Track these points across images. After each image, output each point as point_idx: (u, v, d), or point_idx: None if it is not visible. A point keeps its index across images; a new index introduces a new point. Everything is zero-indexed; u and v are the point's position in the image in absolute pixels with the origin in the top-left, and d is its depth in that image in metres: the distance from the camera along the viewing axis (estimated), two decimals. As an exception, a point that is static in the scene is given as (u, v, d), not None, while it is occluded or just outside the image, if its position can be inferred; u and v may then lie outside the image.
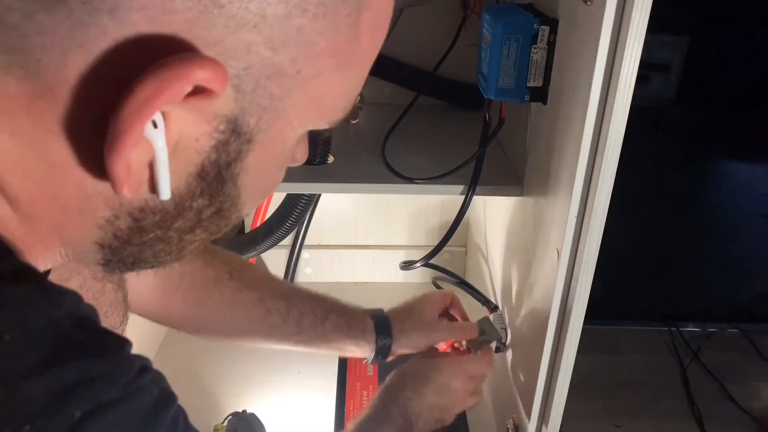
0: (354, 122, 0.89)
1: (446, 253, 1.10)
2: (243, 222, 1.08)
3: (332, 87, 0.31)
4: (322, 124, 0.33)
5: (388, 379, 0.67)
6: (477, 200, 0.68)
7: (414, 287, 1.13)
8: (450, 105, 0.94)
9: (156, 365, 0.31)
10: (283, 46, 0.27)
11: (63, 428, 0.22)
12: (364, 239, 1.13)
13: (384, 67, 0.89)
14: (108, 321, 0.46)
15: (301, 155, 0.38)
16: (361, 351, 0.72)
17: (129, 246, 0.32)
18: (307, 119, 0.32)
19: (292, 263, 1.07)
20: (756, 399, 0.97)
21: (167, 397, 0.28)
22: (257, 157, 0.31)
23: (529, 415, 0.65)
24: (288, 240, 0.99)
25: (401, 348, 0.72)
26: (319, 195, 0.91)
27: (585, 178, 0.50)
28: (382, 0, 0.31)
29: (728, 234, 1.16)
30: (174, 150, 0.27)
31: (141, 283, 0.61)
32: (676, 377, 1.01)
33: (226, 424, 0.77)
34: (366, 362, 0.73)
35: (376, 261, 1.14)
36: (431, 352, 0.72)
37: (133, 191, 0.28)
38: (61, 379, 0.23)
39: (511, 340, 0.75)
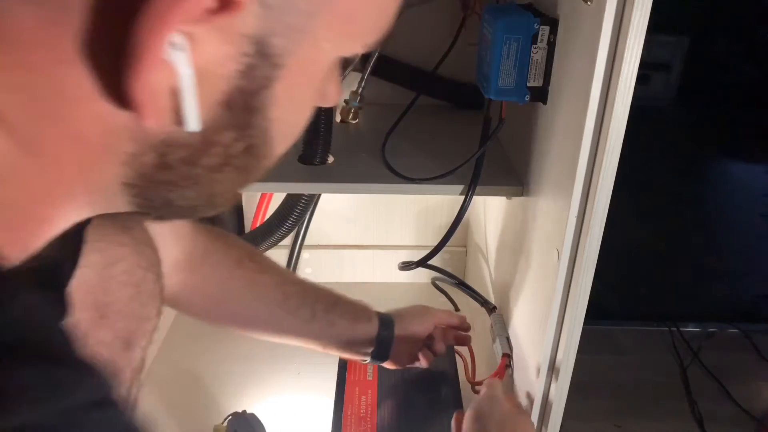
0: (354, 122, 0.89)
1: (446, 253, 1.10)
2: (243, 222, 1.08)
3: (361, 1, 0.30)
4: (354, 47, 0.31)
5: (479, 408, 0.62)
6: (477, 200, 0.68)
7: (414, 287, 1.13)
8: (450, 105, 0.94)
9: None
10: None
11: None
12: (364, 239, 1.13)
13: (384, 67, 0.89)
14: (145, 310, 0.46)
15: (333, 94, 0.35)
16: (365, 335, 0.72)
17: (156, 186, 0.30)
18: (337, 41, 0.30)
19: (292, 263, 1.07)
20: (756, 399, 0.97)
21: None
22: (287, 86, 0.29)
23: (529, 415, 0.65)
24: (288, 240, 0.99)
25: (403, 327, 0.74)
26: (319, 195, 0.91)
27: (585, 178, 0.50)
28: None
29: (728, 234, 1.16)
30: (199, 76, 0.26)
31: (166, 257, 0.61)
32: (676, 377, 1.01)
33: (226, 424, 0.77)
34: (366, 356, 0.74)
35: (376, 261, 1.14)
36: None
37: (158, 120, 0.26)
38: None
39: (511, 340, 0.75)
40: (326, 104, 0.35)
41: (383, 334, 0.73)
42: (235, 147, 0.30)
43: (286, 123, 0.32)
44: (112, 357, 0.43)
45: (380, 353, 0.73)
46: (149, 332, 0.48)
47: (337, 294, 0.73)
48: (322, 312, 0.69)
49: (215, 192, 0.32)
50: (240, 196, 0.36)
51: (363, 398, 0.78)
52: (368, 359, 0.74)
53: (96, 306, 0.42)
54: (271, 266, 0.70)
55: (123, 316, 0.44)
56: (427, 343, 0.78)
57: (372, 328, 0.73)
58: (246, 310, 0.68)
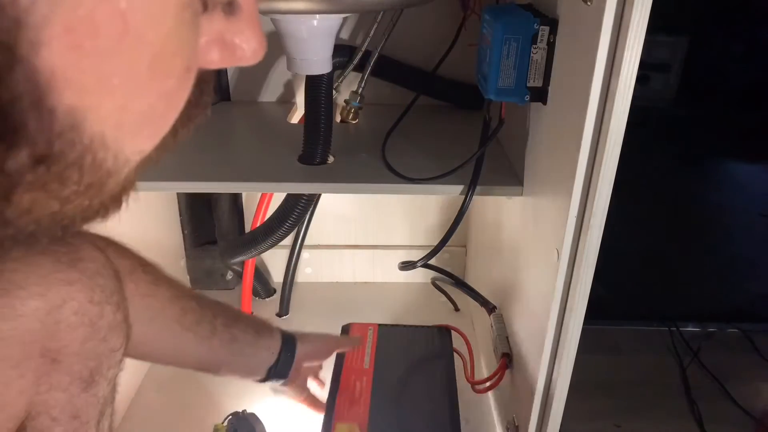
0: (354, 122, 0.89)
1: (446, 253, 1.10)
2: (243, 222, 1.08)
3: None
4: None
5: None
6: (477, 200, 0.68)
7: (414, 287, 1.13)
8: (450, 105, 0.94)
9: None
10: None
11: None
12: (364, 239, 1.13)
13: (384, 67, 0.89)
14: (107, 344, 0.44)
15: (242, 43, 0.26)
16: (268, 349, 0.69)
17: None
18: None
19: (292, 263, 1.07)
20: (756, 399, 0.97)
21: None
22: (70, 53, 0.19)
23: (529, 415, 0.65)
24: (288, 240, 0.99)
25: (305, 347, 0.73)
26: (319, 195, 0.91)
27: (585, 178, 0.50)
28: None
29: (728, 234, 1.16)
30: None
31: None
32: (676, 377, 1.01)
33: (226, 424, 0.77)
34: (263, 375, 0.70)
35: (376, 261, 1.14)
36: None
37: None
38: None
39: (511, 340, 0.75)
40: (213, 65, 0.26)
41: (286, 349, 0.70)
42: (11, 163, 0.20)
43: (119, 110, 0.22)
44: (69, 400, 0.41)
45: (281, 369, 0.70)
46: (116, 363, 0.45)
47: (237, 309, 0.70)
48: (223, 326, 0.65)
49: (27, 222, 0.23)
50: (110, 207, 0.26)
51: (357, 384, 0.78)
52: (265, 377, 0.70)
53: (43, 353, 0.39)
54: (165, 278, 0.63)
55: (81, 358, 0.41)
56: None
57: (275, 343, 0.70)
58: (137, 327, 0.58)
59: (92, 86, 0.21)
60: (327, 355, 0.77)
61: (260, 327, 0.69)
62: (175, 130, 0.27)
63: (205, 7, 0.24)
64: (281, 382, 0.72)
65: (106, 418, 0.45)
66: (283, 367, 0.70)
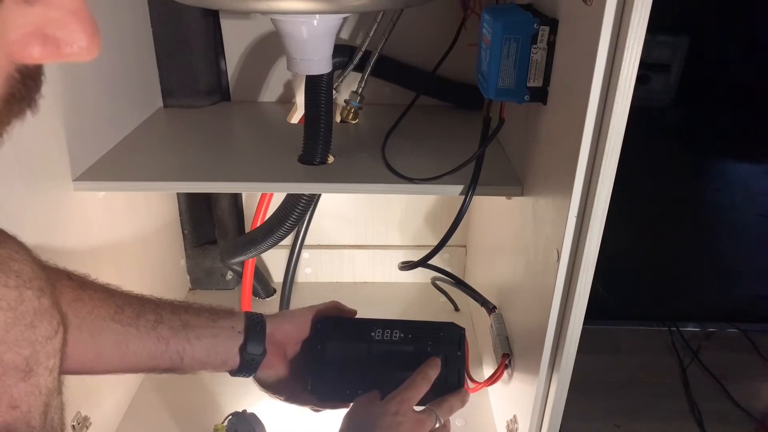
0: (354, 122, 0.89)
1: (446, 252, 1.10)
2: (243, 222, 1.08)
3: None
4: None
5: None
6: (477, 199, 0.68)
7: (413, 287, 1.13)
8: (450, 105, 0.94)
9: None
10: None
11: None
12: (364, 239, 1.13)
13: (384, 67, 0.89)
14: (37, 331, 0.41)
15: (62, 38, 0.25)
16: (230, 329, 0.63)
17: None
18: None
19: (292, 263, 1.07)
20: (756, 399, 0.97)
21: None
22: None
23: (528, 414, 0.65)
24: (288, 240, 0.99)
25: (279, 325, 0.66)
26: (319, 195, 0.91)
27: (585, 178, 0.50)
28: None
29: (728, 234, 1.16)
30: None
31: None
32: (676, 377, 1.01)
33: (226, 424, 0.77)
34: (234, 361, 0.63)
35: (376, 261, 1.14)
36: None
37: None
38: None
39: (511, 340, 0.75)
40: (67, 57, 0.26)
41: (252, 323, 0.63)
42: None
43: None
44: (5, 390, 0.39)
45: (253, 346, 0.63)
46: (55, 351, 0.42)
47: (190, 302, 0.65)
48: (170, 314, 0.60)
49: None
50: None
51: None
52: (240, 361, 0.63)
53: None
54: (94, 283, 0.59)
55: (10, 346, 0.39)
56: None
57: (238, 321, 0.63)
58: (73, 337, 0.52)
59: None
60: (303, 331, 0.68)
61: (217, 310, 0.64)
62: None
63: None
64: (260, 356, 0.64)
65: (55, 411, 0.43)
66: (255, 341, 0.63)
